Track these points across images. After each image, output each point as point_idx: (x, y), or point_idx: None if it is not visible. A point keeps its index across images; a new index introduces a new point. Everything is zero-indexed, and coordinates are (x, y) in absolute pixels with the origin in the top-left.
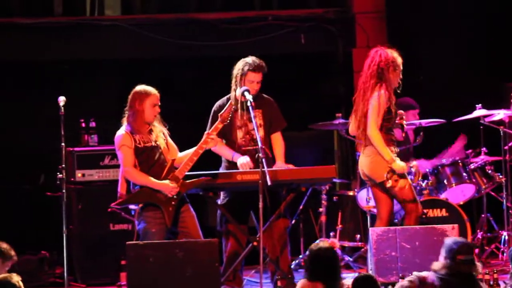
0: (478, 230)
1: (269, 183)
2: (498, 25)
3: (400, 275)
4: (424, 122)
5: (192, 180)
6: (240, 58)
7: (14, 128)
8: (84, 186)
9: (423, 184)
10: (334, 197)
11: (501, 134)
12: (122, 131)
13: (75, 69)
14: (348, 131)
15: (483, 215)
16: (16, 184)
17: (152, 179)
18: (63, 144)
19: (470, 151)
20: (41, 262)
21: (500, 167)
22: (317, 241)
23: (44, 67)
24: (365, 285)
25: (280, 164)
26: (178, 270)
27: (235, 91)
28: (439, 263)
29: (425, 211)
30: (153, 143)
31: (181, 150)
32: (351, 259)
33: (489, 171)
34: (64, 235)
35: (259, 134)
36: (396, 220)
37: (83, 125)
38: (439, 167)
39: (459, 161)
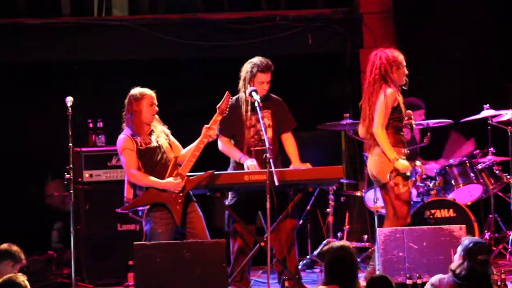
0: (486, 231)
1: (276, 183)
2: (505, 25)
3: (408, 275)
4: (432, 122)
5: (197, 175)
6: (247, 58)
7: (22, 128)
8: (91, 186)
9: (431, 185)
10: (342, 198)
11: (509, 134)
12: (123, 135)
13: (82, 70)
14: (356, 131)
15: (490, 216)
16: (23, 184)
17: (156, 179)
18: (70, 144)
19: (477, 151)
20: (48, 263)
21: (508, 167)
22: (324, 241)
23: (51, 68)
24: (381, 286)
25: (297, 165)
26: (186, 271)
27: (244, 93)
28: (456, 263)
29: (432, 211)
30: (155, 144)
31: None
32: (358, 260)
33: (497, 172)
34: (72, 235)
35: (267, 135)
36: None
37: (91, 125)
38: (447, 167)
39: (467, 161)
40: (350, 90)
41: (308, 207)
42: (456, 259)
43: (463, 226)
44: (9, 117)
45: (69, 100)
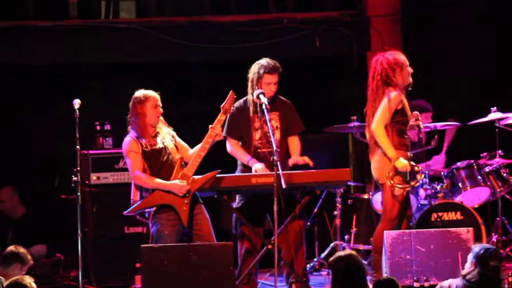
0: (493, 233)
1: (284, 186)
2: None
3: (415, 278)
4: (439, 125)
5: (202, 176)
6: (255, 61)
7: (29, 130)
8: (99, 189)
9: (438, 187)
10: (349, 200)
11: None
12: (128, 137)
13: (90, 72)
14: (363, 134)
15: (498, 218)
16: (31, 186)
17: (161, 180)
18: (78, 147)
19: (485, 153)
20: (56, 265)
21: None
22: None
23: (59, 70)
24: None
25: (295, 158)
26: (193, 273)
27: (252, 95)
28: (468, 269)
29: (440, 214)
30: (161, 145)
31: None
32: (365, 262)
33: (504, 174)
34: (79, 238)
35: (274, 137)
36: (412, 224)
37: (98, 128)
38: (454, 170)
39: (474, 164)
40: (358, 93)
41: (316, 210)
42: (467, 267)
43: (471, 229)
44: (17, 119)
45: (77, 102)
